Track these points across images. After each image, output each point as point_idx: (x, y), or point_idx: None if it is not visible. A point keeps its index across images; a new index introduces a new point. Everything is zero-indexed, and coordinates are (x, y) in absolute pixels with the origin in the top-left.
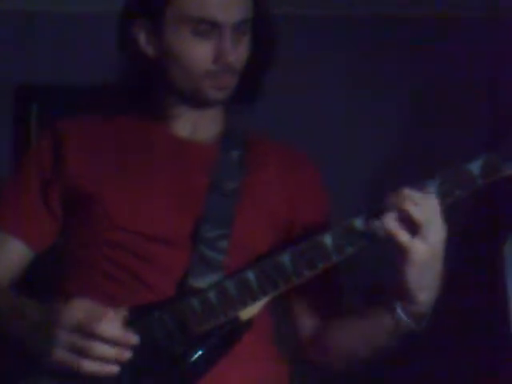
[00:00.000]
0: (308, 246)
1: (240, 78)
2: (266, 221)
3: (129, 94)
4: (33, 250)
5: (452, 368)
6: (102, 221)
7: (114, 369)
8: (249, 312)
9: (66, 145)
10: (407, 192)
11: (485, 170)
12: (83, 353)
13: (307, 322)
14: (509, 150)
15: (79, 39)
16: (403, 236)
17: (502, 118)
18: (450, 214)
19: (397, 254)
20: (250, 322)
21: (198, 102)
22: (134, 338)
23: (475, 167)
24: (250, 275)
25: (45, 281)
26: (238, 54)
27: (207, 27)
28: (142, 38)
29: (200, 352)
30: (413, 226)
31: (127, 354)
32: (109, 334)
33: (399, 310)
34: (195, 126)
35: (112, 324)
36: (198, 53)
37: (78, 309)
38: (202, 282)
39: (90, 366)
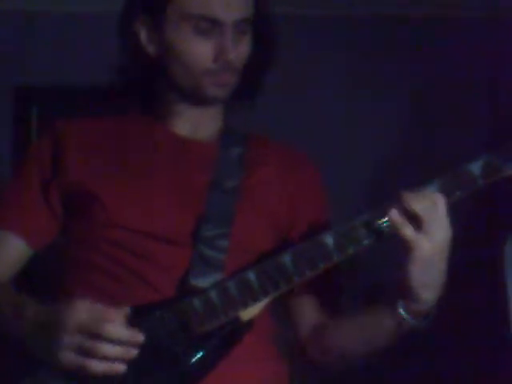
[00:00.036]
0: (309, 245)
1: (240, 77)
2: (266, 221)
3: (129, 91)
4: (32, 247)
5: (452, 368)
6: (101, 219)
7: (120, 367)
8: (250, 312)
9: (66, 144)
10: (413, 190)
11: (485, 171)
12: (89, 353)
13: (306, 322)
14: (509, 150)
15: (79, 39)
16: (408, 230)
17: (502, 118)
18: (451, 214)
19: (401, 252)
20: (250, 323)
21: (198, 99)
22: (139, 336)
23: (476, 168)
24: (251, 275)
25: (44, 278)
26: (239, 52)
27: (208, 25)
28: (142, 34)
29: (201, 352)
30: (418, 224)
31: (134, 352)
32: (115, 334)
33: (401, 309)
34: (195, 124)
35: (116, 324)
36: (199, 50)
37: (81, 310)
38: (202, 281)
39: (97, 366)
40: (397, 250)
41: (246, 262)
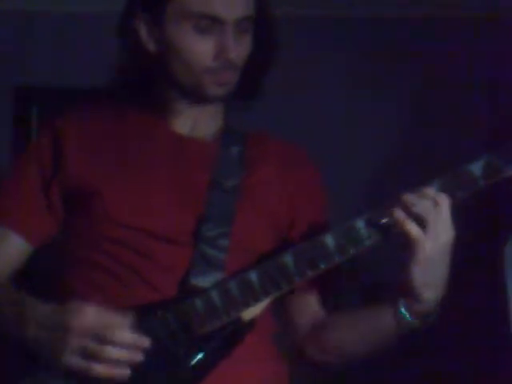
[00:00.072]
0: (310, 246)
1: (240, 76)
2: (266, 220)
3: (129, 89)
4: (32, 244)
5: (452, 368)
6: (101, 217)
7: (125, 372)
8: (251, 313)
9: (66, 142)
10: (414, 190)
11: (486, 171)
12: (95, 356)
13: (304, 321)
14: (510, 150)
15: (79, 39)
16: (414, 231)
17: (501, 118)
18: (452, 215)
19: (401, 252)
20: (252, 323)
21: (198, 97)
22: (145, 341)
23: (476, 168)
24: (253, 276)
25: (44, 275)
26: (239, 50)
27: (209, 23)
28: (143, 31)
29: (202, 353)
30: (422, 224)
31: (139, 357)
32: (121, 338)
33: (403, 308)
34: (195, 122)
35: (123, 328)
36: (200, 48)
37: (88, 314)
38: (202, 280)
39: (101, 370)
40: (397, 250)
41: (246, 262)
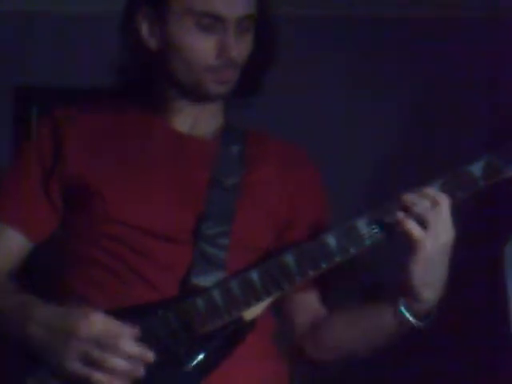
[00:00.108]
0: (311, 245)
1: (240, 74)
2: (266, 219)
3: (130, 87)
4: (32, 240)
5: (452, 368)
6: (101, 215)
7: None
8: (252, 312)
9: (66, 134)
10: (414, 190)
11: (486, 172)
12: (97, 365)
13: (303, 320)
14: (510, 151)
15: (79, 39)
16: (416, 231)
17: (501, 118)
18: (451, 215)
19: (401, 251)
20: (253, 323)
21: (198, 95)
22: (150, 355)
23: (476, 169)
24: (254, 275)
25: (43, 272)
26: (241, 49)
27: (211, 21)
28: (144, 28)
29: (203, 353)
30: (423, 224)
31: (141, 371)
32: (126, 349)
33: (402, 307)
34: (195, 120)
35: (129, 339)
36: (201, 46)
37: (96, 321)
38: (203, 279)
39: (102, 379)
40: (397, 250)
41: (246, 260)
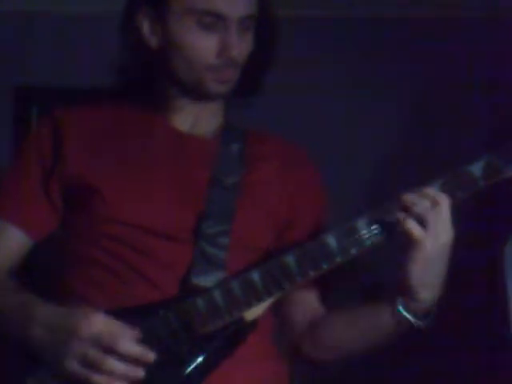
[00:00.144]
0: (312, 246)
1: (241, 73)
2: (266, 219)
3: (130, 86)
4: (32, 238)
5: (452, 368)
6: (101, 213)
7: None
8: (253, 313)
9: (66, 134)
10: (414, 190)
11: (486, 172)
12: (96, 366)
13: (301, 318)
14: (510, 151)
15: (79, 40)
16: (417, 230)
17: (501, 118)
18: (451, 215)
19: (402, 251)
20: (254, 323)
21: (199, 94)
22: (150, 356)
23: (477, 169)
24: (255, 276)
25: (44, 272)
26: (242, 48)
27: (213, 20)
28: (145, 26)
29: (204, 353)
30: (422, 224)
31: (140, 373)
32: (127, 350)
33: (400, 306)
34: (196, 119)
35: (130, 340)
36: (202, 45)
37: (97, 322)
38: (204, 279)
39: (101, 380)
40: (397, 250)
41: (246, 260)
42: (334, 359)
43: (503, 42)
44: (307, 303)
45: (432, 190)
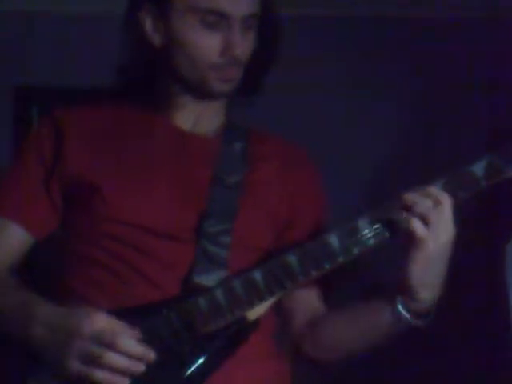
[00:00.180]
0: (314, 245)
1: (243, 73)
2: (266, 219)
3: (132, 84)
4: (33, 235)
5: (452, 368)
6: (102, 213)
7: (125, 381)
8: (256, 312)
9: (66, 133)
10: (416, 189)
11: (488, 172)
12: (98, 363)
13: (302, 317)
14: (510, 151)
15: (79, 40)
16: (419, 228)
17: (501, 118)
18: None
19: (402, 250)
20: (256, 322)
21: (202, 93)
22: (150, 353)
23: (478, 169)
24: (257, 275)
25: (44, 272)
26: (245, 47)
27: (216, 18)
28: (148, 24)
29: (206, 353)
30: (424, 223)
31: (141, 369)
32: (127, 346)
33: (400, 306)
34: (198, 118)
35: (130, 337)
36: (206, 44)
37: (98, 320)
38: (206, 278)
39: (102, 376)
40: (397, 250)
41: (247, 260)
42: (334, 359)
43: (503, 42)
44: (308, 302)
45: (434, 190)
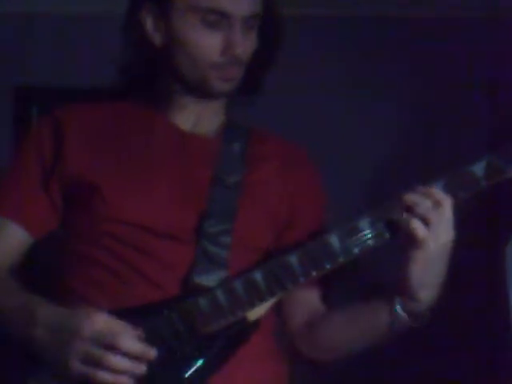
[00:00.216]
0: (314, 245)
1: (245, 72)
2: (266, 219)
3: (132, 84)
4: (32, 235)
5: (452, 368)
6: (102, 212)
7: (128, 382)
8: (256, 312)
9: (66, 133)
10: (423, 190)
11: (488, 172)
12: (99, 363)
13: (301, 316)
14: (510, 151)
15: (79, 40)
16: (420, 228)
17: (501, 118)
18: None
19: (402, 251)
20: (257, 323)
21: (203, 92)
22: (152, 353)
23: (479, 169)
24: (258, 276)
25: (44, 272)
26: (246, 46)
27: (217, 18)
28: (148, 23)
29: (207, 353)
30: (424, 224)
31: (143, 369)
32: (128, 347)
33: (398, 306)
34: (198, 118)
35: (131, 337)
36: (207, 43)
37: (98, 321)
38: (206, 278)
39: (104, 377)
40: (397, 250)
41: (248, 260)
42: (334, 359)
43: (503, 42)
44: (308, 303)
45: (434, 190)
